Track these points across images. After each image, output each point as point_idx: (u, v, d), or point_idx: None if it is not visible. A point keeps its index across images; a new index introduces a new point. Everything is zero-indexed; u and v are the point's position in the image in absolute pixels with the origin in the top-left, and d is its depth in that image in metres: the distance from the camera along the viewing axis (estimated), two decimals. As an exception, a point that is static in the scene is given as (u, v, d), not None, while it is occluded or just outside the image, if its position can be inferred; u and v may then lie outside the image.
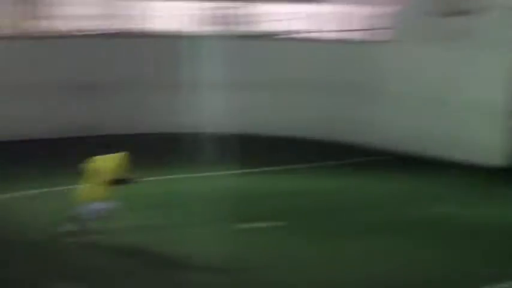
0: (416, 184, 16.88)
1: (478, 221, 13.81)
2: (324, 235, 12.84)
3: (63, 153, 18.00)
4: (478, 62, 18.68)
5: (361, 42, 21.93)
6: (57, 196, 14.30)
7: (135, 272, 10.74)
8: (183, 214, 13.89)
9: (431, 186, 16.59)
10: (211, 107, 21.54)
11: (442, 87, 19.43)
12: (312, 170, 18.26)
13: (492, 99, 18.41)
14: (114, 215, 12.04)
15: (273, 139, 20.95)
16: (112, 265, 11.07)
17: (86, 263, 11.04)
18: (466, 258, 11.65)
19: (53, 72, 21.10)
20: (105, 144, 13.56)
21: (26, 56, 21.10)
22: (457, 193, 16.04)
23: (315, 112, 21.63)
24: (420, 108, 19.88)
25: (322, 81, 21.61)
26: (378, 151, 20.07)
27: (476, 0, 18.92)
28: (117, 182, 12.26)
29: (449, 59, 19.30)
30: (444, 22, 19.32)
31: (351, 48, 21.75)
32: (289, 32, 23.29)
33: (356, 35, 22.40)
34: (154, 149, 19.40)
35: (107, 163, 12.30)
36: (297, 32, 23.45)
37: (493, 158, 18.33)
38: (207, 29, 22.45)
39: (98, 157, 12.36)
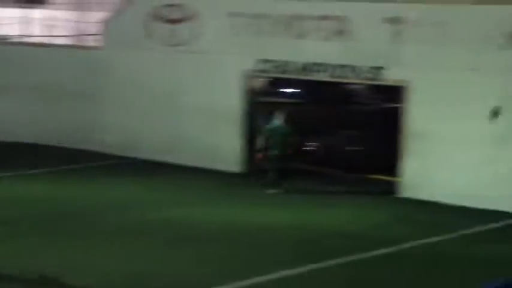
0: (154, 188, 16.63)
1: (214, 222, 13.87)
2: (62, 239, 12.33)
3: None
4: (209, 68, 18.79)
5: (78, 48, 21.54)
6: None
7: None
8: None
9: (171, 190, 16.41)
10: None
11: (172, 93, 19.32)
12: (40, 175, 17.57)
13: (226, 106, 18.48)
14: None
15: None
16: None
17: None
18: (197, 259, 11.61)
19: None
20: None
21: None
22: (197, 197, 15.99)
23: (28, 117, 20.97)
24: (150, 113, 19.62)
25: (36, 86, 20.98)
26: (109, 156, 19.71)
27: (191, 7, 19.11)
28: None
29: (177, 65, 19.26)
30: (167, 28, 19.38)
31: (67, 53, 21.24)
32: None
33: (72, 40, 21.99)
34: None
35: None
36: (8, 36, 22.70)
37: (230, 163, 18.48)
38: None
39: None
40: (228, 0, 18.79)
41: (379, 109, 19.67)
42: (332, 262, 11.57)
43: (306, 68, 17.45)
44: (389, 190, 16.56)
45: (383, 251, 12.36)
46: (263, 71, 18.15)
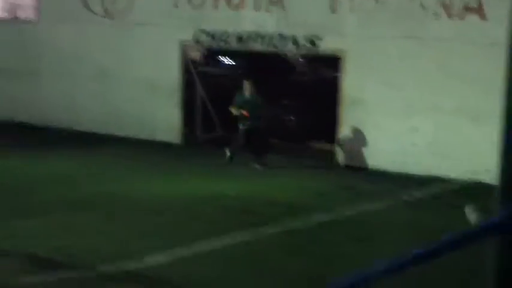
0: (93, 160, 16.44)
1: (154, 194, 13.79)
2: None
3: None
4: (148, 39, 18.63)
5: (12, 21, 21.18)
6: None
7: None
8: None
9: (111, 162, 16.23)
10: None
11: (111, 65, 19.13)
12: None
13: (165, 77, 18.36)
14: None
15: None
16: None
17: None
18: (138, 230, 11.56)
19: None
20: None
21: None
22: (136, 168, 15.84)
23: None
24: (89, 86, 19.45)
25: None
26: (49, 129, 19.53)
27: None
28: None
29: (115, 37, 19.06)
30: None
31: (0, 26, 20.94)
32: None
33: (5, 14, 21.55)
34: None
35: None
36: None
37: (170, 135, 18.41)
38: None
39: None
40: (165, -29, 18.63)
41: (317, 79, 19.77)
42: (273, 230, 11.65)
43: (243, 38, 17.43)
44: (329, 158, 16.69)
45: (324, 218, 12.48)
46: (201, 42, 18.07)
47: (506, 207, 5.14)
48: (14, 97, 20.57)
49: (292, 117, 18.93)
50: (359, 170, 16.12)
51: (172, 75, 18.30)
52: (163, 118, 18.42)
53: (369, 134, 16.20)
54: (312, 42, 16.63)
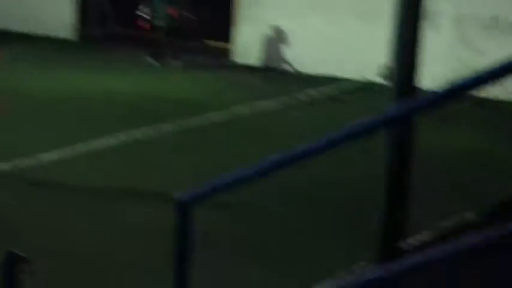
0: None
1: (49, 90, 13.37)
2: None
3: None
4: None
5: None
6: None
7: None
8: None
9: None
10: None
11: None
12: None
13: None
14: None
15: None
16: None
17: None
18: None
19: None
20: None
21: None
22: (31, 64, 15.20)
23: None
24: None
25: None
26: None
27: None
28: None
29: None
30: None
31: None
32: None
33: None
34: None
35: None
36: None
37: (63, 31, 17.65)
38: None
39: None
40: None
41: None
42: (167, 127, 11.51)
43: None
44: (223, 56, 16.45)
45: (216, 115, 12.38)
46: None
47: (399, 103, 5.08)
48: None
49: (187, 15, 18.47)
50: (256, 69, 15.95)
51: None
52: (55, 12, 17.63)
53: (262, 32, 15.98)
54: None
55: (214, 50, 17.18)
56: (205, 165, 10.01)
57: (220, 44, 17.18)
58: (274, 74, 15.63)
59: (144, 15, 15.81)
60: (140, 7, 15.96)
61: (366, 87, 14.57)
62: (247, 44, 16.13)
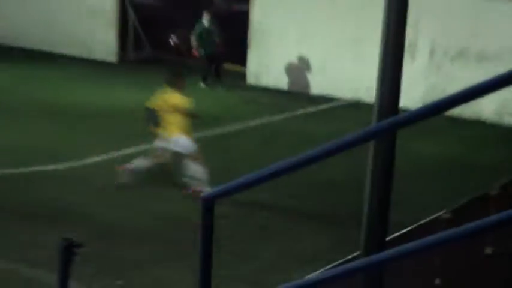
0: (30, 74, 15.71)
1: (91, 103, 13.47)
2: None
3: None
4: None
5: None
6: None
7: None
8: None
9: (50, 76, 15.49)
10: None
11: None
12: None
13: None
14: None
15: None
16: None
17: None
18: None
19: None
20: None
21: None
22: (81, 83, 15.22)
23: None
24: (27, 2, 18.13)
25: None
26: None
27: None
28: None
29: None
30: None
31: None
32: None
33: None
34: None
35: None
36: None
37: (108, 54, 17.56)
38: None
39: None
40: None
41: (233, 10, 19.29)
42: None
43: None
44: (238, 78, 16.39)
45: (233, 127, 12.38)
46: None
47: (381, 119, 5.05)
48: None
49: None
50: (263, 88, 15.90)
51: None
52: (98, 37, 17.53)
53: (271, 57, 15.92)
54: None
55: (231, 72, 17.09)
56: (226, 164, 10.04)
57: (235, 67, 17.06)
58: (280, 93, 15.57)
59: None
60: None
61: (354, 104, 14.56)
62: (257, 67, 16.09)
